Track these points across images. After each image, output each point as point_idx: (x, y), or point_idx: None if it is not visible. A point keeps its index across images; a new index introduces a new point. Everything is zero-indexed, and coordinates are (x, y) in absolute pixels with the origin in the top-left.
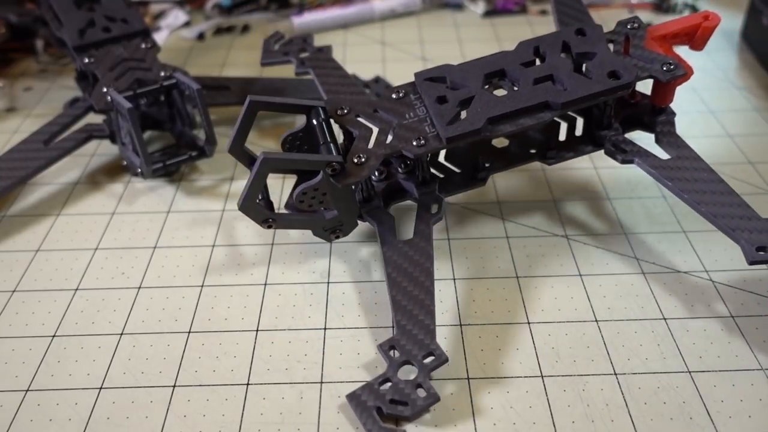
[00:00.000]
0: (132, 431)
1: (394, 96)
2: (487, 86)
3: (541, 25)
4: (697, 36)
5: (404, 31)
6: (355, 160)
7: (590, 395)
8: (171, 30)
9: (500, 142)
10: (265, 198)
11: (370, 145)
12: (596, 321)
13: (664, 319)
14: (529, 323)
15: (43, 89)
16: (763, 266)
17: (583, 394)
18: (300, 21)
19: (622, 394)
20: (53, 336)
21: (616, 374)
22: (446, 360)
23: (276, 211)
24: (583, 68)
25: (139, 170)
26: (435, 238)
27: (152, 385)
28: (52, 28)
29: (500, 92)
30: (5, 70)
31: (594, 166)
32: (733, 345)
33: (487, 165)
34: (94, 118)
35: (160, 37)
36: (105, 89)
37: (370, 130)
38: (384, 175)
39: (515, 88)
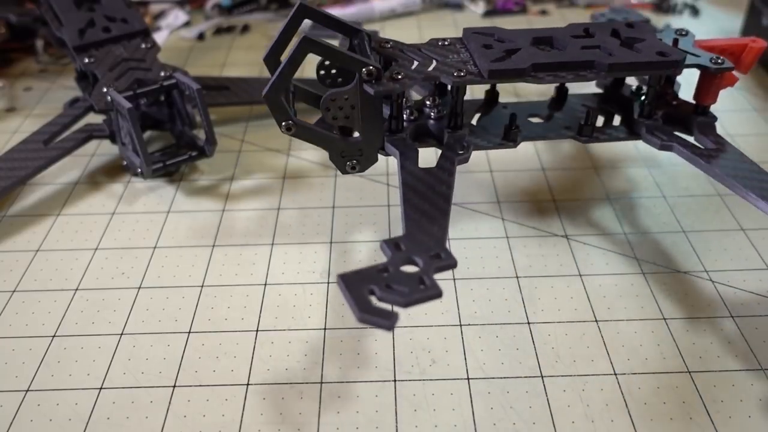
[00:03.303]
0: (132, 431)
1: (439, 43)
2: (534, 47)
3: (541, 25)
4: (743, 56)
5: (404, 31)
6: (393, 75)
7: (590, 395)
8: (171, 30)
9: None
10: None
11: (411, 68)
12: (596, 321)
13: (664, 319)
14: (529, 323)
15: (43, 89)
16: (763, 266)
17: (582, 394)
18: None
19: (622, 394)
20: (53, 336)
21: (615, 374)
22: (455, 263)
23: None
24: (633, 48)
25: (139, 170)
26: None
27: (152, 385)
28: (52, 28)
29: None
30: (5, 70)
31: (594, 166)
32: (732, 345)
33: (521, 131)
34: (94, 118)
35: (160, 37)
36: (105, 89)
37: (412, 60)
38: (414, 117)
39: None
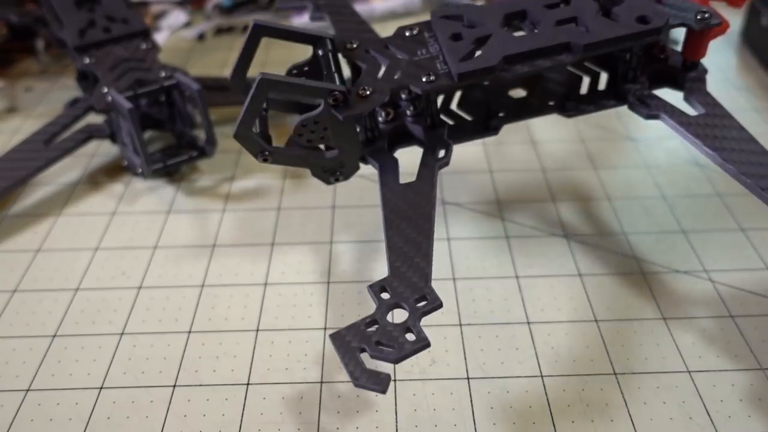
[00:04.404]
0: (132, 431)
1: (407, 33)
2: (506, 28)
3: None
4: None
5: None
6: (360, 92)
7: (590, 395)
8: (171, 30)
9: (517, 93)
10: (262, 131)
11: (378, 78)
12: (596, 321)
13: (664, 319)
14: (528, 323)
15: (44, 90)
16: (763, 266)
17: (582, 393)
18: (300, 21)
19: (622, 394)
20: (54, 336)
21: (615, 374)
22: (440, 305)
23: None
24: (611, 14)
25: (140, 170)
26: (435, 238)
27: (152, 384)
28: (52, 28)
29: (520, 34)
30: (6, 70)
31: (593, 167)
32: (732, 345)
33: (501, 115)
34: (95, 118)
35: (160, 38)
36: (105, 89)
37: (379, 66)
38: (391, 117)
39: (535, 31)
